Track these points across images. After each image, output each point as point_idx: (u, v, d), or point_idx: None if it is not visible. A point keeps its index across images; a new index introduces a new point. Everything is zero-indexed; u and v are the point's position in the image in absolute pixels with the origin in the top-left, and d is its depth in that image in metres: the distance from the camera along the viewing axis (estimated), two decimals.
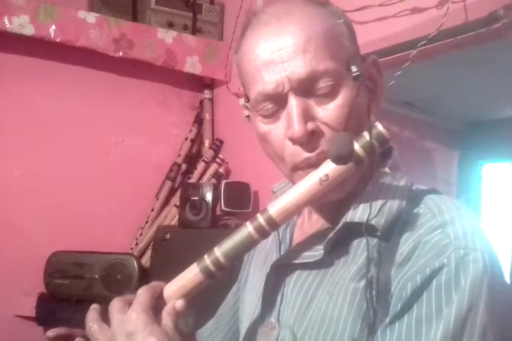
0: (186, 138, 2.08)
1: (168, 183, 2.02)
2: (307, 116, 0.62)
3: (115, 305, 0.62)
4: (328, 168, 0.60)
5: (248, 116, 0.75)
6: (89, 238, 1.80)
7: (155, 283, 0.66)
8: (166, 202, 2.01)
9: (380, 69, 0.71)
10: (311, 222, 0.75)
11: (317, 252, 0.65)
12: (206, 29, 2.08)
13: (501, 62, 1.30)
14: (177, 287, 0.64)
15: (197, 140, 2.11)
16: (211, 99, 2.15)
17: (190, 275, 0.64)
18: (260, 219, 0.62)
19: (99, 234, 1.86)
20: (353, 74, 0.62)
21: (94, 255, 1.72)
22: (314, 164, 0.63)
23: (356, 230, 0.63)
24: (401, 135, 1.70)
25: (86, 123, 1.92)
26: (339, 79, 0.63)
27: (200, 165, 2.01)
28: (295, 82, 0.62)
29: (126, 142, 2.00)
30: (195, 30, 2.05)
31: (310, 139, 0.62)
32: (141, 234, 1.96)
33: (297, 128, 0.61)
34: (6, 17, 1.66)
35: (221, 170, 1.99)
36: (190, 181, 1.97)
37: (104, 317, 0.62)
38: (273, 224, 0.62)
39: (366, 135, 0.59)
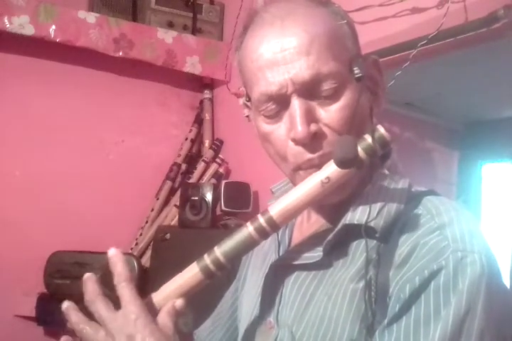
0: (186, 138, 2.08)
1: (168, 183, 2.02)
2: (310, 117, 0.62)
3: (97, 303, 0.60)
4: (330, 170, 0.60)
5: (248, 116, 0.75)
6: (89, 238, 1.80)
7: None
8: (166, 202, 2.01)
9: (381, 69, 0.71)
10: (310, 223, 0.75)
11: (316, 253, 0.65)
12: (206, 29, 2.08)
13: (501, 62, 1.29)
14: (176, 286, 0.64)
15: (197, 140, 2.11)
16: (211, 99, 2.15)
17: (189, 275, 0.64)
18: (261, 219, 0.62)
19: (99, 234, 1.86)
20: (356, 76, 0.62)
21: (94, 255, 1.71)
22: (317, 165, 0.63)
23: (355, 232, 0.63)
24: (401, 135, 1.70)
25: (86, 123, 1.92)
26: (342, 81, 0.63)
27: (200, 165, 2.01)
28: (298, 84, 0.62)
29: (126, 142, 2.00)
30: (195, 30, 2.05)
31: (313, 141, 0.62)
32: (141, 234, 1.97)
33: (300, 130, 0.61)
34: (6, 17, 1.66)
35: (221, 170, 1.99)
36: (190, 181, 1.97)
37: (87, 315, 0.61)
38: (273, 225, 0.62)
39: (368, 138, 0.60)
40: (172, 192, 2.02)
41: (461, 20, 1.11)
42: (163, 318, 0.61)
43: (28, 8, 1.69)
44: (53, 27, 1.72)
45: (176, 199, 1.96)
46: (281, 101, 0.64)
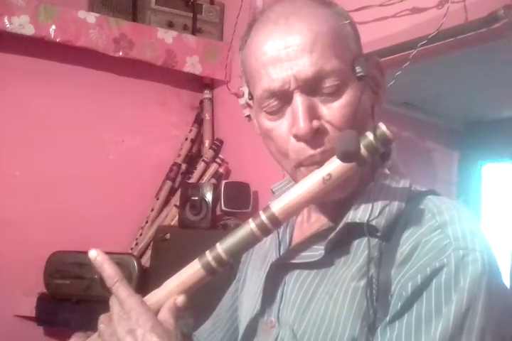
0: (186, 138, 2.08)
1: (168, 183, 2.02)
2: (312, 114, 0.63)
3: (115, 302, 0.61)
4: (332, 167, 0.61)
5: (248, 116, 0.75)
6: (89, 238, 1.80)
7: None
8: (166, 202, 2.01)
9: (383, 70, 0.72)
10: (311, 222, 0.75)
11: (317, 252, 0.65)
12: (206, 29, 2.08)
13: (501, 62, 1.29)
14: (178, 282, 0.64)
15: (197, 140, 2.11)
16: (211, 99, 2.15)
17: (191, 271, 0.64)
18: (263, 216, 0.63)
19: (99, 234, 1.86)
20: (358, 75, 0.63)
21: None
22: (318, 162, 0.63)
23: (357, 230, 0.63)
24: (401, 135, 1.70)
25: (86, 123, 1.93)
26: (344, 79, 0.63)
27: (200, 165, 2.01)
28: (301, 80, 0.62)
29: (126, 142, 2.00)
30: (195, 30, 2.05)
31: (314, 137, 0.63)
32: (141, 234, 1.97)
33: (302, 126, 0.62)
34: (6, 17, 1.66)
35: (221, 170, 1.99)
36: (190, 181, 1.97)
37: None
38: (275, 222, 0.62)
39: (369, 135, 0.60)
40: (172, 192, 2.02)
41: (461, 20, 1.11)
42: (165, 314, 0.61)
43: (28, 8, 1.69)
44: (53, 27, 1.72)
45: (176, 199, 1.96)
46: (283, 98, 0.64)
